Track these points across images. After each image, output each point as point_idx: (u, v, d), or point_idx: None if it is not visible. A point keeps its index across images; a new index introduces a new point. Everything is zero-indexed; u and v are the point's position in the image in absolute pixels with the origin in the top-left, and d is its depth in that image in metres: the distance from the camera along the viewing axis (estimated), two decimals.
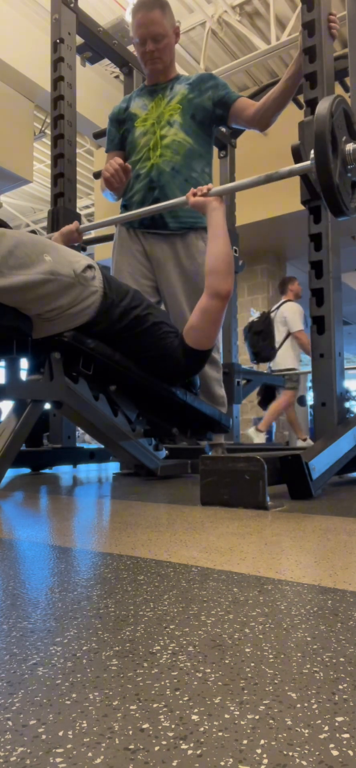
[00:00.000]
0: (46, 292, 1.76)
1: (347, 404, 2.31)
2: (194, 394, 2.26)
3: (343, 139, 1.74)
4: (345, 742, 0.39)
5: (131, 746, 0.38)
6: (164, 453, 2.75)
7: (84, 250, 3.25)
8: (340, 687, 0.47)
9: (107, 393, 2.24)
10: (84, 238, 3.58)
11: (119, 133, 2.54)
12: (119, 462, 3.06)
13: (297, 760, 0.36)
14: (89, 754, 0.38)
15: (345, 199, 1.72)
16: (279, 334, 5.28)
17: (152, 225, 2.37)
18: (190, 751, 0.38)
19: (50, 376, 1.97)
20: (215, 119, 2.42)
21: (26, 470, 3.35)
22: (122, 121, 2.53)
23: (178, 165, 2.34)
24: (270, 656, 0.54)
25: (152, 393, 2.12)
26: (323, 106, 1.68)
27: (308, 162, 1.86)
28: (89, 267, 1.90)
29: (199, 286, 2.32)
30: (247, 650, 0.56)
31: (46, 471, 3.40)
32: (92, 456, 3.48)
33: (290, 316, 5.28)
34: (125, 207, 2.50)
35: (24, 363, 2.07)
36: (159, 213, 2.31)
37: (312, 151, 1.71)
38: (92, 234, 9.03)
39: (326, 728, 0.41)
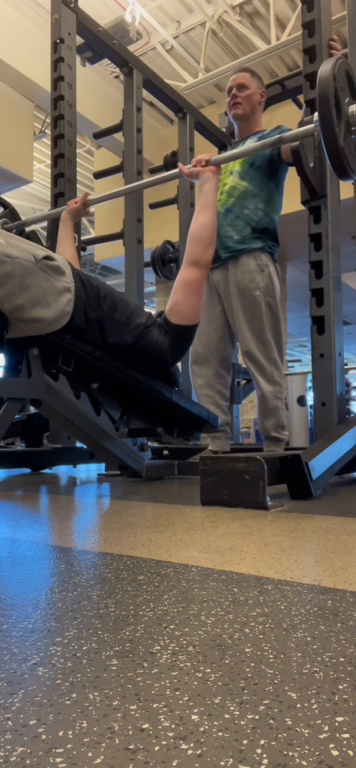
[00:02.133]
0: (4, 273, 1.70)
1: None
2: (177, 391, 2.24)
3: (346, 101, 1.73)
4: (345, 742, 0.39)
5: (131, 746, 0.38)
6: (149, 454, 2.73)
7: (84, 250, 3.25)
8: (340, 687, 0.47)
9: (88, 391, 2.21)
10: (84, 238, 3.58)
11: None
12: (104, 463, 3.04)
13: (297, 760, 0.36)
14: (89, 754, 0.38)
15: (350, 161, 1.72)
16: None
17: (214, 262, 2.55)
18: (190, 751, 0.38)
19: (28, 373, 1.91)
20: (274, 160, 2.57)
21: (26, 470, 3.35)
22: None
23: (230, 206, 2.56)
24: (270, 656, 0.54)
25: (137, 390, 2.10)
26: (325, 68, 1.68)
27: (312, 125, 1.86)
28: (50, 258, 1.85)
29: (252, 295, 2.48)
30: (247, 650, 0.56)
31: (46, 471, 3.40)
32: (91, 456, 3.47)
33: None
34: None
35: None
36: (215, 251, 2.50)
37: (316, 114, 1.71)
38: (92, 234, 9.01)
39: (326, 728, 0.41)
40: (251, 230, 2.52)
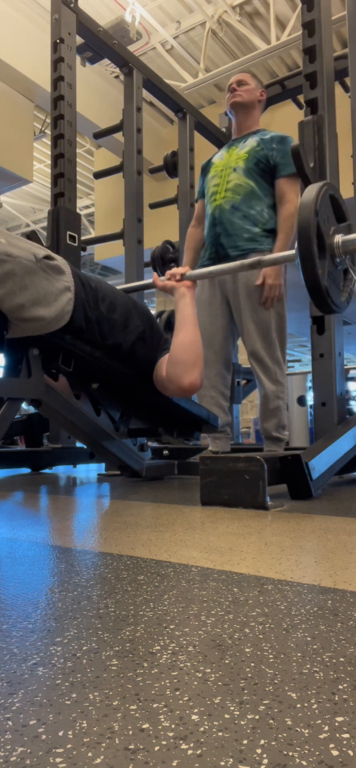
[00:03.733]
0: (4, 272, 1.70)
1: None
2: None
3: (331, 231, 1.62)
4: (345, 742, 0.39)
5: (131, 746, 0.38)
6: (149, 454, 2.73)
7: (84, 250, 3.25)
8: (340, 687, 0.47)
9: (88, 391, 2.21)
10: (84, 238, 3.58)
11: (203, 182, 2.83)
12: (104, 463, 3.03)
13: (297, 760, 0.36)
14: (89, 754, 0.38)
15: (334, 298, 1.62)
16: None
17: (217, 258, 2.57)
18: (190, 751, 0.38)
19: (28, 373, 1.90)
20: (273, 177, 2.56)
21: (26, 470, 3.35)
22: (203, 169, 2.84)
23: (237, 203, 2.55)
24: (270, 656, 0.54)
25: (136, 390, 2.09)
26: (306, 200, 1.56)
27: (292, 252, 1.74)
28: (50, 257, 1.85)
29: (261, 294, 2.45)
30: (247, 650, 0.56)
31: (46, 471, 3.40)
32: (91, 456, 3.47)
33: None
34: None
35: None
36: (222, 248, 2.54)
37: (296, 245, 1.59)
38: (92, 234, 9.01)
39: (326, 728, 0.41)
40: (261, 230, 2.51)
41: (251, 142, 2.61)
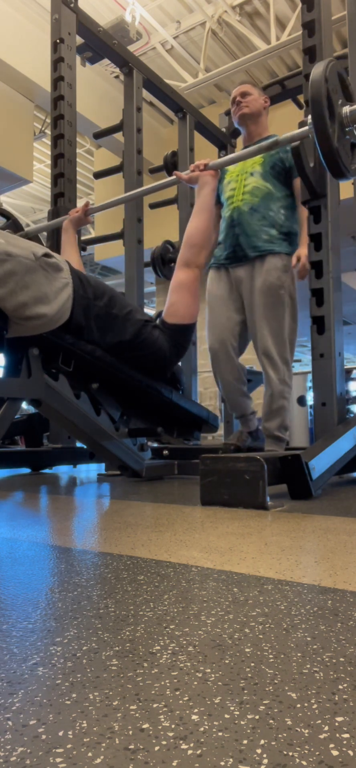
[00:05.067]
0: (5, 272, 1.71)
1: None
2: (179, 391, 2.24)
3: (339, 102, 1.73)
4: (345, 742, 0.39)
5: (131, 746, 0.38)
6: (149, 454, 2.73)
7: (84, 250, 3.25)
8: (340, 687, 0.47)
9: (88, 391, 2.21)
10: (84, 238, 3.58)
11: (217, 189, 2.84)
12: (104, 463, 3.03)
13: (297, 760, 0.36)
14: (89, 754, 0.38)
15: (345, 161, 1.72)
16: None
17: (234, 258, 2.64)
18: (190, 751, 0.38)
19: (28, 373, 1.91)
20: (290, 174, 2.63)
21: (26, 470, 3.35)
22: (219, 179, 2.85)
23: (256, 205, 2.60)
24: (270, 656, 0.54)
25: (137, 390, 2.09)
26: (317, 70, 1.67)
27: (306, 127, 1.86)
28: (49, 255, 1.86)
29: (277, 293, 2.49)
30: (247, 650, 0.56)
31: (46, 471, 3.40)
32: (91, 456, 3.48)
33: None
34: (218, 244, 2.81)
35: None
36: (241, 249, 2.59)
37: (310, 117, 1.71)
38: (92, 234, 9.01)
39: (326, 728, 0.41)
40: (278, 232, 2.56)
41: (249, 150, 2.65)
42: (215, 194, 2.14)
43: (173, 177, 2.27)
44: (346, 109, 1.73)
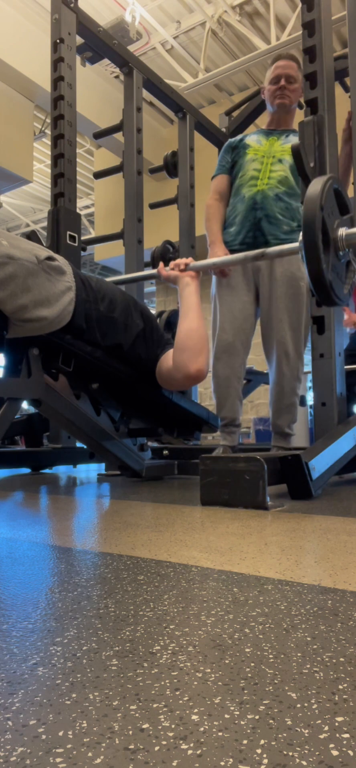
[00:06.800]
0: (6, 275, 1.71)
1: None
2: (180, 392, 2.24)
3: (335, 225, 1.64)
4: (345, 742, 0.39)
5: (131, 746, 0.38)
6: (149, 454, 2.72)
7: (84, 250, 3.25)
8: (340, 687, 0.47)
9: (88, 391, 2.21)
10: (84, 238, 3.58)
11: (231, 159, 2.75)
12: (104, 463, 3.03)
13: (297, 760, 0.36)
14: (89, 754, 0.38)
15: (337, 292, 1.64)
16: None
17: (254, 244, 2.51)
18: (190, 751, 0.38)
19: (28, 373, 1.90)
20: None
21: (26, 470, 3.35)
22: (234, 147, 2.75)
23: (281, 194, 2.53)
24: (270, 656, 0.54)
25: (136, 391, 2.09)
26: (311, 195, 1.58)
27: (297, 244, 1.76)
28: (52, 258, 1.86)
29: (298, 284, 2.42)
30: (247, 650, 0.56)
31: (46, 471, 3.40)
32: (91, 456, 3.48)
33: None
34: (226, 224, 2.69)
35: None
36: (262, 235, 2.50)
37: (301, 236, 1.61)
38: (92, 234, 9.00)
39: (326, 728, 0.41)
40: (296, 226, 2.51)
41: (296, 140, 2.58)
42: (198, 294, 2.02)
43: (154, 271, 2.22)
44: (342, 232, 1.64)
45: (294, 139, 2.59)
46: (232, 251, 2.51)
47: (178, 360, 1.90)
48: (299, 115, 2.59)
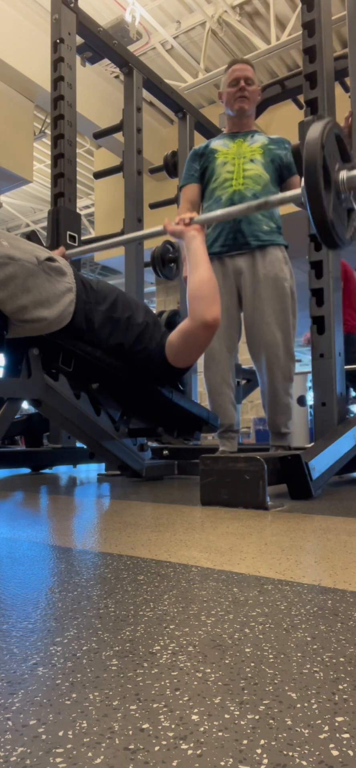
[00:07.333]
0: (6, 275, 1.71)
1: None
2: (181, 392, 2.23)
3: (336, 168, 1.63)
4: (345, 742, 0.39)
5: (131, 746, 0.38)
6: (149, 454, 2.72)
7: None
8: (340, 687, 0.47)
9: (88, 391, 2.20)
10: (84, 238, 3.58)
11: (199, 166, 2.74)
12: (104, 463, 3.03)
13: (297, 760, 0.36)
14: (89, 754, 0.38)
15: (339, 233, 1.63)
16: None
17: (235, 246, 2.54)
18: (190, 751, 0.38)
19: (28, 373, 1.90)
20: (282, 175, 2.61)
21: (26, 470, 3.35)
22: (202, 155, 2.73)
23: (258, 193, 2.51)
24: (270, 656, 0.54)
25: (136, 391, 2.09)
26: (313, 135, 1.57)
27: (299, 191, 1.76)
28: (52, 259, 1.86)
29: (282, 285, 2.43)
30: (247, 650, 0.56)
31: (46, 471, 3.40)
32: (91, 456, 3.48)
33: None
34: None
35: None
36: (243, 236, 2.49)
37: (303, 181, 1.60)
38: (92, 234, 9.00)
39: (326, 728, 0.41)
40: (276, 225, 2.53)
41: (261, 138, 2.63)
42: (205, 245, 2.03)
43: (159, 228, 2.20)
44: (343, 175, 1.63)
45: (259, 139, 2.62)
46: (212, 254, 2.51)
47: (194, 311, 1.91)
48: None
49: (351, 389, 4.58)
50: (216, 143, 2.73)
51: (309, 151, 1.56)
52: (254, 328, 2.51)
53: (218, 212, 2.15)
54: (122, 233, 3.60)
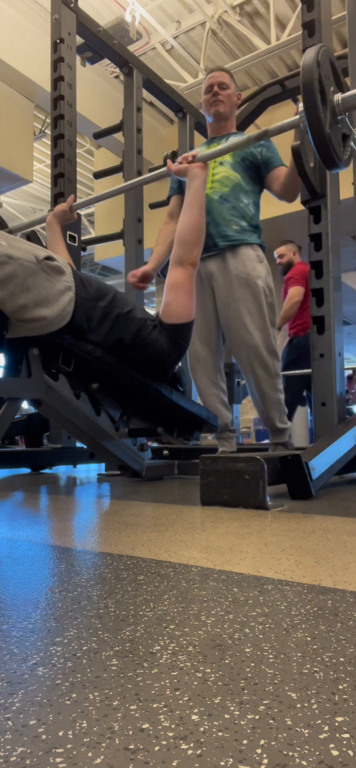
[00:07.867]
0: (6, 274, 1.71)
1: None
2: (180, 392, 2.24)
3: (331, 89, 1.69)
4: (345, 742, 0.39)
5: (131, 746, 0.38)
6: (149, 454, 2.72)
7: (84, 250, 3.25)
8: (340, 687, 0.47)
9: (88, 391, 2.20)
10: (84, 238, 3.58)
11: (178, 178, 2.72)
12: (104, 463, 3.03)
13: (297, 760, 0.36)
14: (89, 754, 0.38)
15: (337, 150, 1.68)
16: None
17: (204, 249, 2.49)
18: (190, 751, 0.38)
19: (28, 373, 1.90)
20: (259, 175, 2.59)
21: (26, 470, 3.35)
22: None
23: (226, 194, 2.53)
24: (270, 656, 0.54)
25: (137, 390, 2.09)
26: (308, 56, 1.63)
27: (297, 116, 1.83)
28: (50, 258, 1.87)
29: (255, 283, 2.43)
30: (247, 650, 0.56)
31: (46, 471, 3.40)
32: (91, 456, 3.48)
33: None
34: None
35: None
36: (211, 238, 2.49)
37: (301, 105, 1.66)
38: (92, 234, 9.00)
39: (326, 728, 0.41)
40: (248, 224, 2.51)
41: (235, 139, 2.61)
42: (205, 186, 2.10)
43: (163, 169, 2.22)
44: (338, 97, 1.69)
45: (234, 139, 2.57)
46: None
47: (178, 252, 2.02)
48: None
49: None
50: (197, 150, 2.73)
51: (306, 68, 1.62)
52: (231, 331, 2.51)
53: (220, 147, 2.17)
54: (122, 233, 3.60)
